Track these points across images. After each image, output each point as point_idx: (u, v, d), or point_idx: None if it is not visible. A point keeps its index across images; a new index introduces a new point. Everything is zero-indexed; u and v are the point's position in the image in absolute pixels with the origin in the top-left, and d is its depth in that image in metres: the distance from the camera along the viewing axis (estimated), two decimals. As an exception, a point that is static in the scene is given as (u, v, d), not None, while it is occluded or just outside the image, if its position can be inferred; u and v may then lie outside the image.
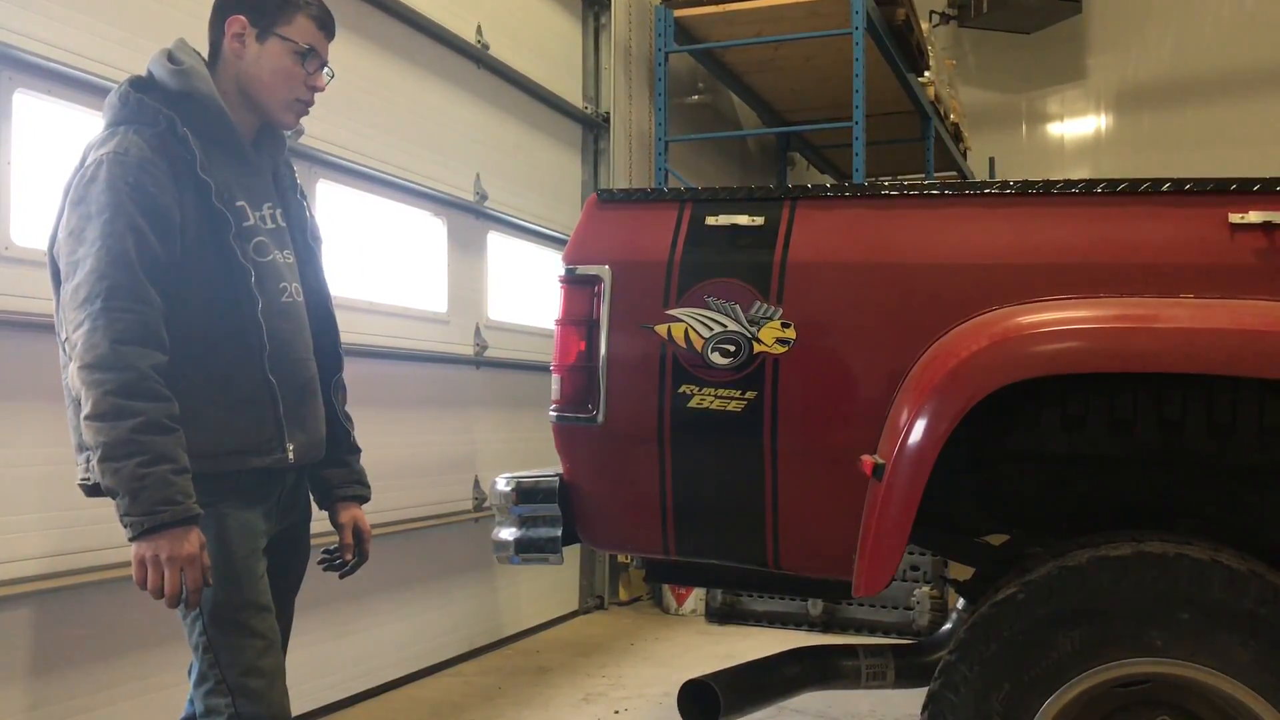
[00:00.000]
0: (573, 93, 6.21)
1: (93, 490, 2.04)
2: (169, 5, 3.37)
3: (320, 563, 2.45)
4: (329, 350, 2.41)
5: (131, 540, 1.95)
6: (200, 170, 2.09)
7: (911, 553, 4.89)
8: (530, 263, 5.81)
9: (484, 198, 5.24)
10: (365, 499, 2.49)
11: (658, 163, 6.29)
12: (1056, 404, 2.26)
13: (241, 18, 2.21)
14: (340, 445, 2.44)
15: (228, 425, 2.11)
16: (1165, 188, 2.19)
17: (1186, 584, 1.98)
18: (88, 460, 2.01)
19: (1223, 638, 1.96)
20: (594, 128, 6.38)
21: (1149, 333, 2.06)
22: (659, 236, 2.47)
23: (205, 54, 2.24)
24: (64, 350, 2.07)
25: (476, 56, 5.23)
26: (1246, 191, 2.14)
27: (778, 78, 6.86)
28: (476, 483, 5.07)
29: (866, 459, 2.15)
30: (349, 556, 2.43)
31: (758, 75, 6.90)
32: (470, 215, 5.21)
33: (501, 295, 5.47)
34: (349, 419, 2.47)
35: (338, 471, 2.45)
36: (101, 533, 3.04)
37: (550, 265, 5.75)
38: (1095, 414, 2.25)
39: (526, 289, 5.72)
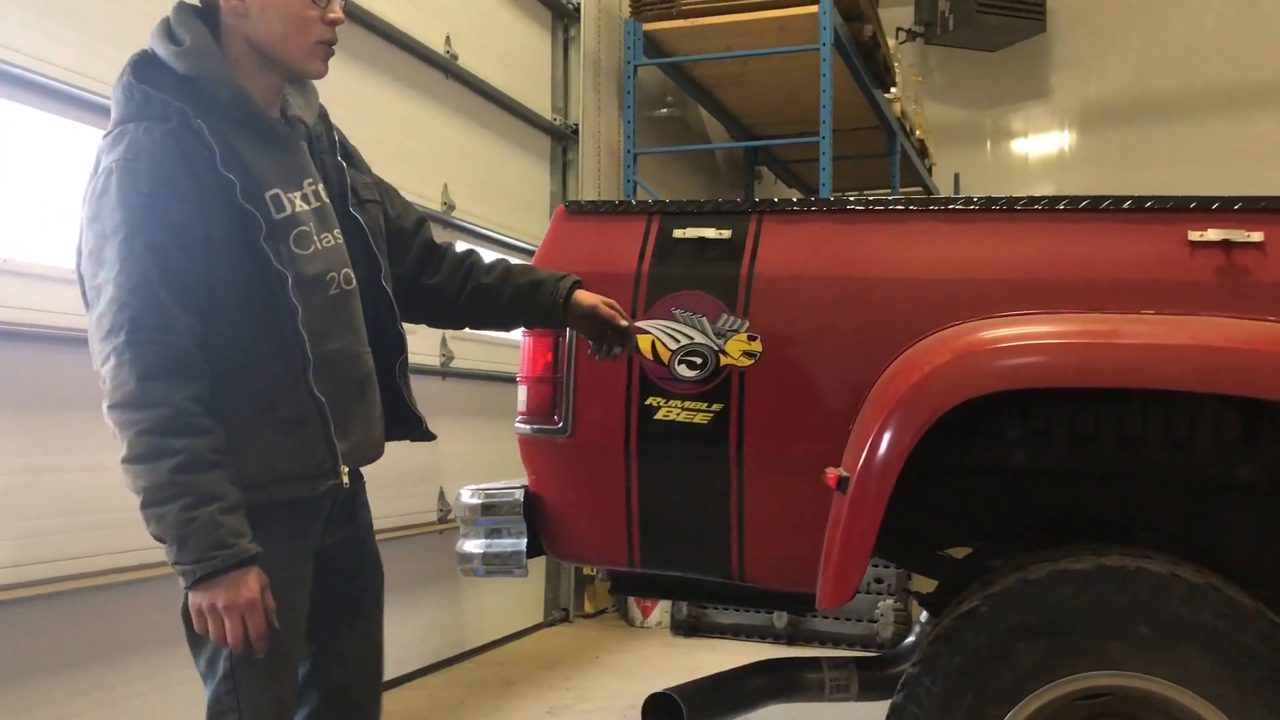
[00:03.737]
0: (542, 104, 6.21)
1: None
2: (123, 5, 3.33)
3: (592, 353, 2.31)
4: (388, 331, 2.16)
5: (186, 589, 1.80)
6: (222, 167, 1.86)
7: (876, 565, 4.91)
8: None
9: (451, 208, 5.23)
10: (581, 282, 2.30)
11: (626, 175, 6.30)
12: (1019, 418, 2.28)
13: None
14: (414, 428, 2.23)
15: (276, 448, 1.91)
16: (1126, 205, 2.23)
17: (1146, 597, 2.00)
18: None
19: (1181, 650, 1.98)
20: (563, 139, 6.38)
21: (1109, 348, 2.08)
22: (627, 248, 2.48)
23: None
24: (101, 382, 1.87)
25: (445, 67, 5.22)
26: (1205, 210, 2.18)
27: (746, 92, 6.90)
28: (442, 494, 5.04)
29: (831, 472, 2.16)
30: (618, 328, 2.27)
31: (726, 89, 6.93)
32: (437, 225, 5.19)
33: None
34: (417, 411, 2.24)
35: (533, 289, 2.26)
36: (63, 543, 3.00)
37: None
38: (1057, 428, 2.28)
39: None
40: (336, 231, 2.05)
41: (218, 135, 1.87)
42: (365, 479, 2.19)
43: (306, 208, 2.00)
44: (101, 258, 1.80)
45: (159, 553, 1.84)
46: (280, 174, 1.98)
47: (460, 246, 2.37)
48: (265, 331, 1.90)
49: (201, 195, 1.84)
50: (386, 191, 2.29)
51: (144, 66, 1.92)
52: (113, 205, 1.80)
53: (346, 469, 2.00)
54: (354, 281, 2.07)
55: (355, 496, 2.15)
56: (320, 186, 2.06)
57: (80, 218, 1.88)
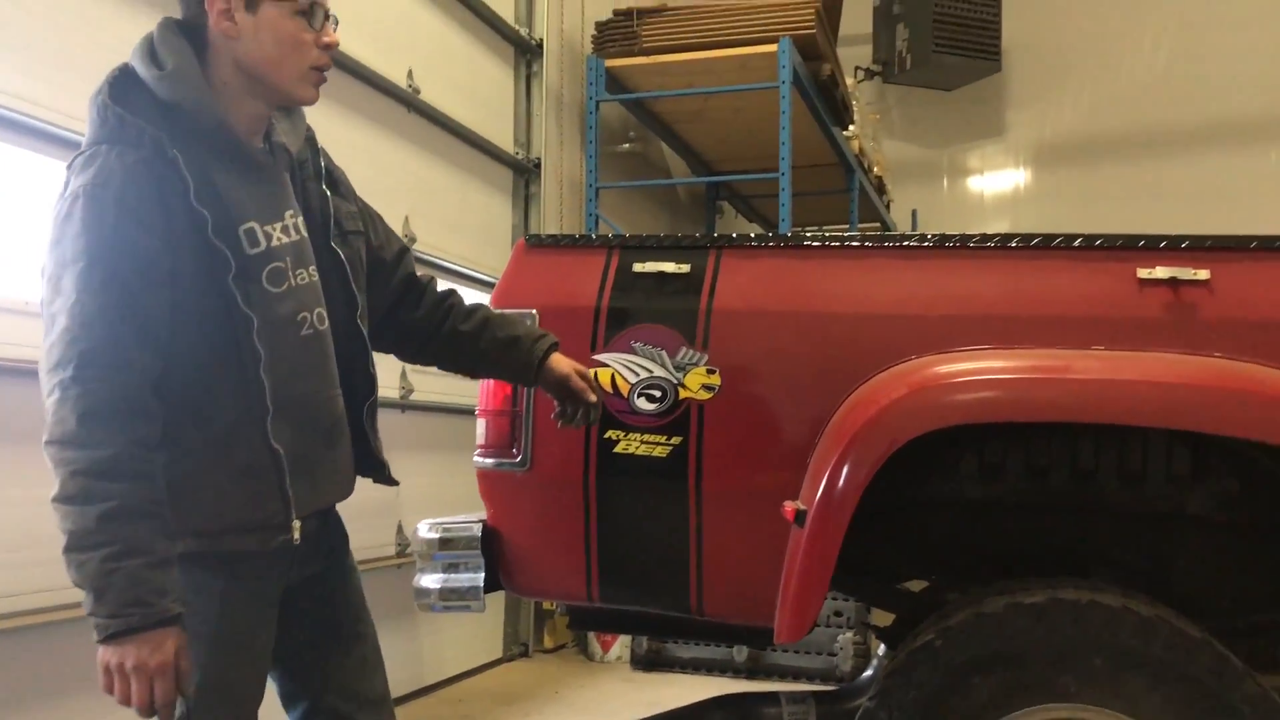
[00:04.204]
0: (504, 138, 6.23)
1: None
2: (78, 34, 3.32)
3: (556, 417, 2.27)
4: (360, 372, 2.09)
5: (98, 643, 1.68)
6: (195, 201, 1.77)
7: (835, 599, 4.92)
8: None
9: (413, 240, 5.21)
10: (558, 345, 2.25)
11: (588, 208, 6.33)
12: (974, 451, 2.31)
13: None
14: (376, 471, 2.17)
15: (227, 496, 1.83)
16: (1077, 243, 2.27)
17: (1098, 630, 2.02)
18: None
19: (1133, 683, 2.00)
20: (525, 173, 6.40)
21: (1062, 383, 2.12)
22: (587, 282, 2.49)
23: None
24: None
25: (408, 100, 5.23)
26: (1154, 248, 2.22)
27: (707, 128, 6.97)
28: (400, 528, 5.00)
29: (788, 505, 2.17)
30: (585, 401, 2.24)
31: (688, 125, 7.00)
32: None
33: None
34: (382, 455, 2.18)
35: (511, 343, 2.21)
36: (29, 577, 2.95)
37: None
38: (1012, 462, 2.31)
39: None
40: (312, 268, 1.98)
41: (194, 166, 1.80)
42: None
43: (285, 240, 1.92)
44: (59, 285, 1.71)
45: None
46: (259, 206, 1.90)
47: (441, 285, 2.31)
48: (226, 373, 1.82)
49: (170, 228, 1.76)
50: (370, 219, 2.21)
51: (122, 85, 1.83)
52: (76, 232, 1.71)
53: (298, 523, 1.91)
54: (326, 321, 1.99)
55: (321, 529, 2.08)
56: (300, 220, 1.98)
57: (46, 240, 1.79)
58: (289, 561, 1.98)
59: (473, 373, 2.37)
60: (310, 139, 2.11)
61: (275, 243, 1.90)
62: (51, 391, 1.69)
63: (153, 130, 1.77)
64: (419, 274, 2.28)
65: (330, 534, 2.13)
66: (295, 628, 2.03)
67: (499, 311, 2.33)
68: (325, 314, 1.99)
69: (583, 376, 2.26)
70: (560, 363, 2.24)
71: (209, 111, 1.84)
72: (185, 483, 1.78)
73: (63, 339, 1.69)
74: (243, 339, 1.82)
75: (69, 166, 1.81)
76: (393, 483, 2.22)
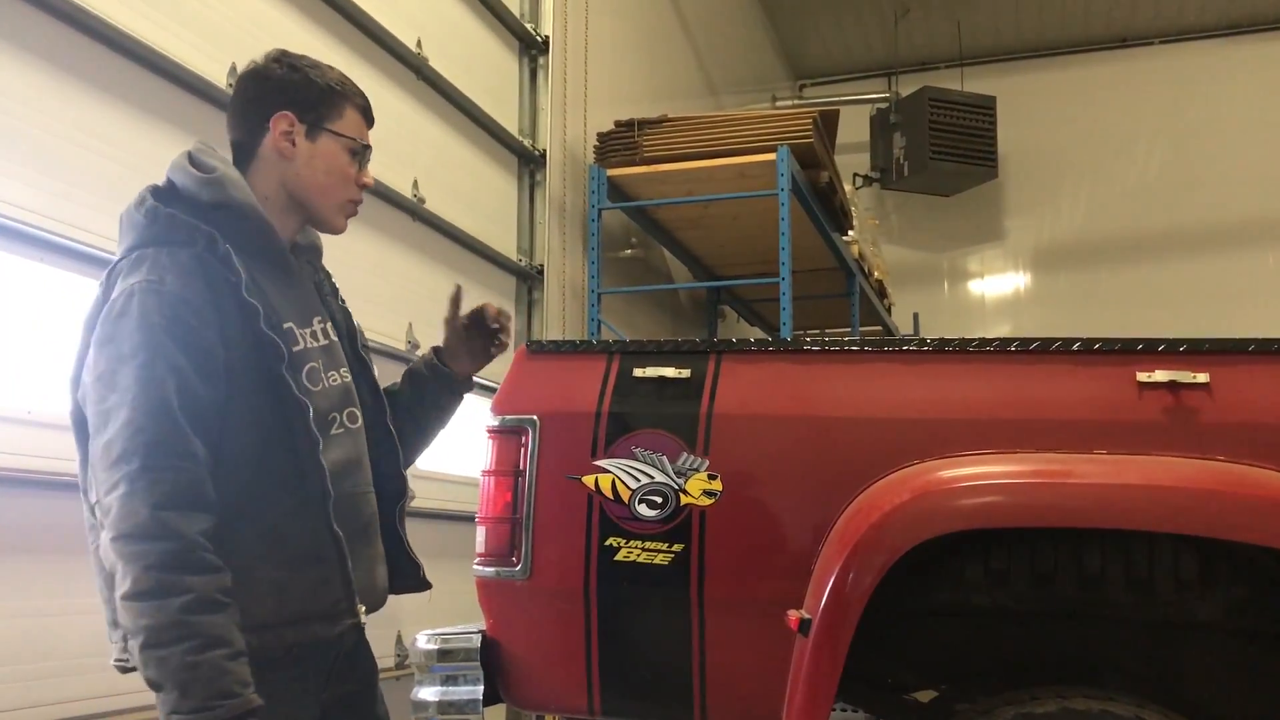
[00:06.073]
0: (507, 245, 6.31)
1: (129, 671, 1.77)
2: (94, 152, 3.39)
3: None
4: (391, 473, 2.15)
5: None
6: (246, 293, 1.83)
7: (843, 710, 4.80)
8: (461, 410, 5.80)
9: (416, 346, 5.25)
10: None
11: (591, 314, 6.37)
12: (979, 558, 2.28)
13: (289, 114, 1.98)
14: (410, 576, 2.21)
15: (285, 587, 1.83)
16: (1076, 347, 2.27)
17: (1112, 741, 1.97)
18: (124, 640, 1.74)
19: (1150, 797, 1.95)
20: (528, 279, 6.47)
21: (1066, 488, 2.10)
22: (587, 387, 2.49)
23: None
24: (92, 514, 1.81)
25: (412, 210, 5.31)
26: (1152, 351, 2.23)
27: (707, 234, 7.05)
28: (399, 638, 4.92)
29: (793, 614, 2.14)
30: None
31: (688, 231, 7.08)
32: (402, 364, 5.19)
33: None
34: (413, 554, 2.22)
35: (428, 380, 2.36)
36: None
37: (481, 414, 5.74)
38: (1017, 568, 2.27)
39: (456, 436, 5.69)
40: (344, 370, 2.04)
41: (241, 262, 1.86)
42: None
43: (316, 344, 1.97)
44: (114, 381, 1.73)
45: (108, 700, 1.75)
46: (293, 309, 1.95)
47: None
48: (277, 464, 1.85)
49: (224, 321, 1.81)
50: None
51: (165, 193, 1.90)
52: (132, 327, 1.74)
53: (364, 608, 1.94)
54: (359, 420, 2.04)
55: (357, 647, 2.08)
56: (329, 324, 2.05)
57: (83, 342, 1.83)
58: (330, 668, 1.97)
59: (417, 427, 2.41)
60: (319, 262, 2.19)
61: (309, 345, 1.95)
62: (116, 486, 1.69)
63: (205, 227, 1.84)
64: None
65: (365, 655, 2.14)
66: None
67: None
68: (358, 413, 2.04)
69: (473, 319, 2.35)
70: (450, 348, 2.38)
71: (256, 215, 1.93)
72: (237, 577, 1.76)
73: (124, 432, 1.70)
74: (297, 426, 1.85)
75: (110, 271, 1.86)
76: (426, 585, 2.24)
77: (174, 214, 1.84)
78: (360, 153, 2.05)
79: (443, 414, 2.46)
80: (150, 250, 1.82)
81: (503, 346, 2.37)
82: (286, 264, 1.99)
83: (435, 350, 2.38)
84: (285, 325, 1.90)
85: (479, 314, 2.33)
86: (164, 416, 1.71)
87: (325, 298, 2.13)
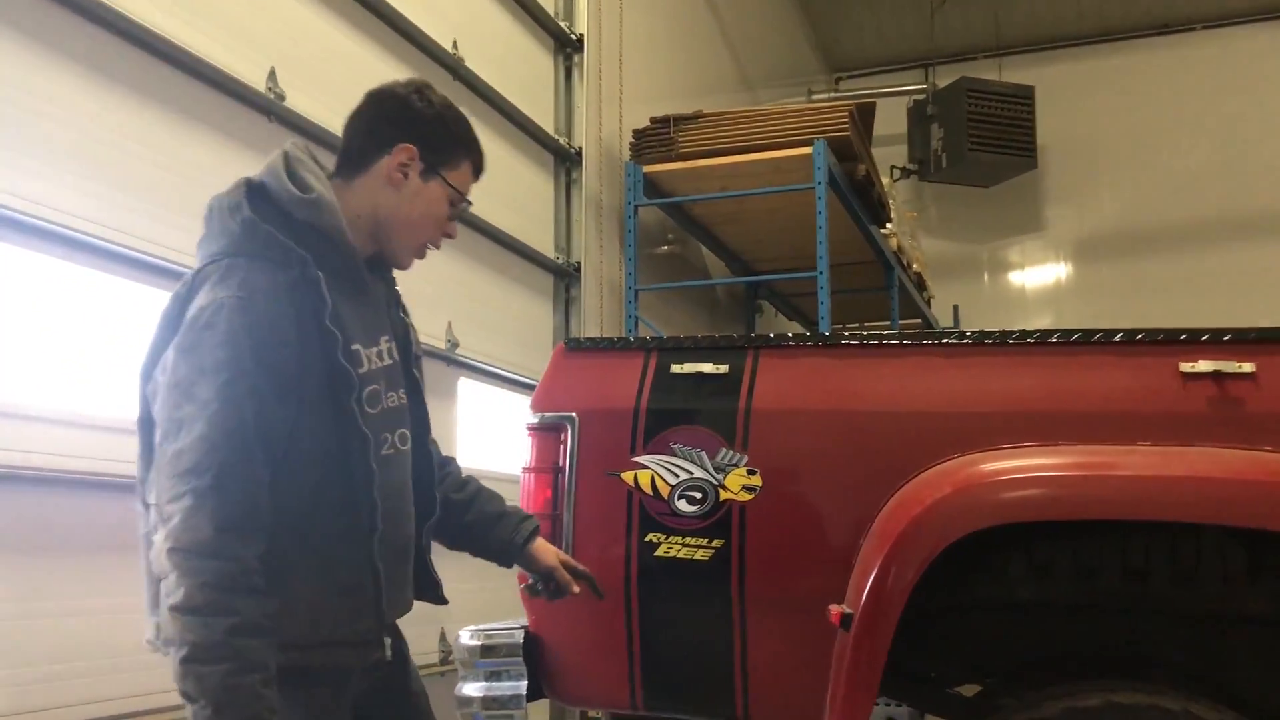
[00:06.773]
0: (545, 243, 6.33)
1: (159, 651, 1.79)
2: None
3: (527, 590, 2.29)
4: (426, 492, 2.13)
5: None
6: (329, 321, 1.84)
7: (887, 704, 4.78)
8: (501, 408, 5.83)
9: (455, 345, 5.28)
10: (539, 529, 2.28)
11: (628, 310, 6.38)
12: (1023, 551, 2.27)
13: (413, 147, 1.98)
14: (428, 590, 2.17)
15: (323, 611, 1.85)
16: (1118, 338, 2.25)
17: (1159, 736, 1.95)
18: (157, 629, 1.77)
19: (1198, 791, 1.93)
20: (565, 277, 6.49)
21: (1110, 480, 2.09)
22: (625, 384, 2.50)
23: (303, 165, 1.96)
24: (147, 511, 1.84)
25: (450, 209, 5.35)
26: (1195, 341, 2.20)
27: (744, 229, 7.03)
28: (443, 635, 4.96)
29: (834, 609, 2.14)
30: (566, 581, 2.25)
31: (725, 226, 7.07)
32: (441, 362, 5.23)
33: (471, 441, 5.47)
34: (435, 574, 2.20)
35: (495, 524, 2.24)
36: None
37: (521, 411, 5.77)
38: (1061, 561, 2.26)
39: (496, 434, 5.72)
40: (401, 391, 2.03)
41: (327, 286, 1.86)
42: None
43: (380, 364, 1.96)
44: (192, 392, 1.75)
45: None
46: (362, 328, 1.94)
47: (443, 449, 2.33)
48: (332, 491, 1.86)
49: (304, 346, 1.82)
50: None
51: (259, 201, 1.89)
52: (219, 341, 1.76)
53: (389, 641, 1.98)
54: (409, 442, 2.03)
55: (388, 680, 2.09)
56: (394, 345, 2.03)
57: (158, 334, 1.85)
58: (361, 674, 1.98)
59: (452, 541, 2.33)
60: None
61: (373, 366, 1.94)
62: (181, 496, 1.71)
63: (300, 251, 1.85)
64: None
65: (398, 651, 2.14)
66: None
67: (487, 488, 2.32)
68: (408, 434, 2.03)
69: (568, 567, 2.27)
70: (546, 552, 2.27)
71: (345, 244, 1.92)
72: (282, 598, 1.78)
73: (200, 445, 1.71)
74: (357, 459, 1.86)
75: (198, 273, 1.86)
76: (443, 601, 2.23)
77: (271, 231, 1.85)
78: (458, 206, 2.07)
79: (470, 548, 2.39)
80: (243, 261, 1.83)
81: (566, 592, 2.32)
82: (363, 283, 1.98)
83: (527, 539, 2.27)
84: (353, 346, 1.90)
85: (582, 579, 2.29)
86: (238, 438, 1.73)
87: (393, 311, 2.12)
